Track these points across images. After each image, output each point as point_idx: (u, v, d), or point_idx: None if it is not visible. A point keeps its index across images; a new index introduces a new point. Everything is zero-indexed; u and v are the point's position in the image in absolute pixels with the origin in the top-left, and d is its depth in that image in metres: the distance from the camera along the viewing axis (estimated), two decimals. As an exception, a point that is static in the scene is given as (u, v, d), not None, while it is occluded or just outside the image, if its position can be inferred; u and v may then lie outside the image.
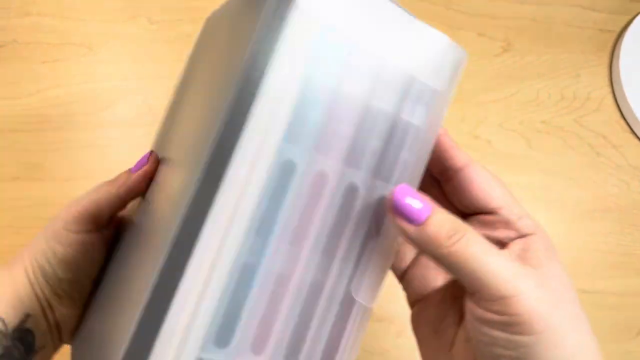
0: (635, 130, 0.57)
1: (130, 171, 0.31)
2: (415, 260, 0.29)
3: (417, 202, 0.22)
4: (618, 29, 0.62)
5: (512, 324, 0.22)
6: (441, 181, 0.28)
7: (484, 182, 0.25)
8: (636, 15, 0.61)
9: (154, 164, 0.30)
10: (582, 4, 0.62)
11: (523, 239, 0.25)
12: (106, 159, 0.52)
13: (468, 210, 0.26)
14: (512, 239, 0.25)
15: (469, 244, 0.22)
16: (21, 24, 0.56)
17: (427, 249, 0.23)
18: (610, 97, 0.59)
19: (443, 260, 0.22)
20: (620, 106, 0.58)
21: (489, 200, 0.25)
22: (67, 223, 0.30)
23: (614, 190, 0.56)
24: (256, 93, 0.20)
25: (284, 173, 0.21)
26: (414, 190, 0.23)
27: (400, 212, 0.23)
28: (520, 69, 0.59)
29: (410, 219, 0.22)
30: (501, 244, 0.25)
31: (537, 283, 0.23)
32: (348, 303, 0.23)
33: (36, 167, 0.51)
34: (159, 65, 0.56)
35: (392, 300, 0.50)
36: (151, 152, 0.31)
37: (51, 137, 0.52)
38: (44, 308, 0.30)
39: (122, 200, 0.31)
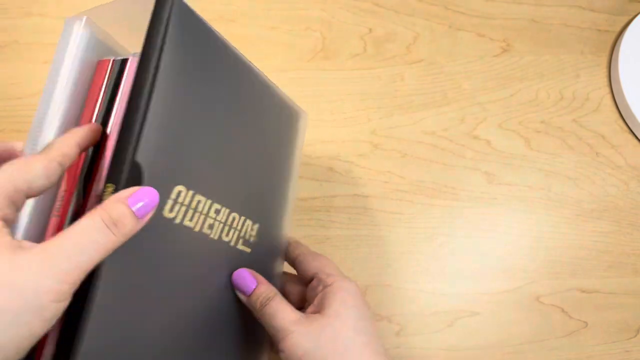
0: (634, 131, 0.57)
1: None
2: None
3: (248, 281, 0.35)
4: (617, 30, 0.62)
5: None
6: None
7: (305, 261, 0.39)
8: (635, 15, 0.61)
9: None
10: (581, 5, 0.63)
11: (321, 292, 0.36)
12: (107, 159, 0.52)
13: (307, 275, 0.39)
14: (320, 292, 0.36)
15: (270, 307, 0.34)
16: (22, 24, 0.56)
17: (252, 311, 0.35)
18: (609, 97, 0.59)
19: (260, 320, 0.34)
20: (619, 106, 0.58)
21: (308, 272, 0.38)
22: None
23: (612, 190, 0.56)
24: None
25: None
26: (248, 274, 0.35)
27: (236, 286, 0.35)
28: (519, 69, 0.59)
29: (242, 292, 0.35)
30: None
31: (311, 326, 0.33)
32: None
33: (37, 167, 0.51)
34: (159, 65, 0.56)
35: (390, 299, 0.50)
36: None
37: (52, 137, 0.52)
38: None
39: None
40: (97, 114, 0.31)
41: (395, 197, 0.53)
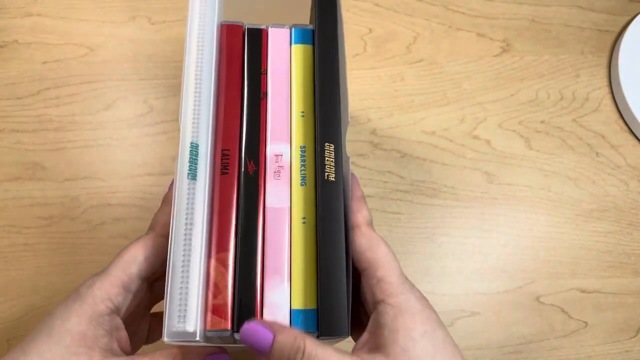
0: (634, 130, 0.57)
1: None
2: None
3: (261, 334, 0.24)
4: (617, 30, 0.62)
5: None
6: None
7: (360, 243, 0.28)
8: (635, 15, 0.61)
9: None
10: (581, 5, 0.63)
11: (375, 312, 0.27)
12: (107, 159, 0.52)
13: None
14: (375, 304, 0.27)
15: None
16: (22, 24, 0.56)
17: None
18: (609, 97, 0.59)
19: None
20: (619, 106, 0.58)
21: (360, 260, 0.28)
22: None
23: (612, 190, 0.56)
24: None
25: None
26: (259, 325, 0.25)
27: (250, 346, 0.25)
28: (519, 69, 0.59)
29: (259, 349, 0.24)
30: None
31: None
32: None
33: (37, 167, 0.51)
34: (158, 65, 0.56)
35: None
36: None
37: (52, 137, 0.52)
38: None
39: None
40: (246, 80, 0.33)
41: (395, 197, 0.53)
